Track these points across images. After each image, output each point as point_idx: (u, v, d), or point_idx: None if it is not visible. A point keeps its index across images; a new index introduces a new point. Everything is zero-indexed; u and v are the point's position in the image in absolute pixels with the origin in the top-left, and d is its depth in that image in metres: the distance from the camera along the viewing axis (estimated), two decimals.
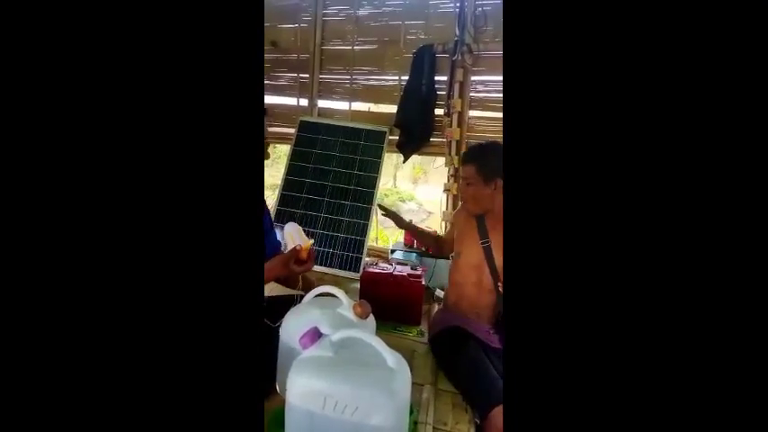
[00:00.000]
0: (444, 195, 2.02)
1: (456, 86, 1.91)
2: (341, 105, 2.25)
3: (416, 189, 8.25)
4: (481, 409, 0.89)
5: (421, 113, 1.99)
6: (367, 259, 1.86)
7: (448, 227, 1.96)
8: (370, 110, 2.36)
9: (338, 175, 2.01)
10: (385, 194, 6.71)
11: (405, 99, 2.01)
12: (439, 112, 2.00)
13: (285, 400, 0.63)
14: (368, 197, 1.95)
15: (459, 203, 1.91)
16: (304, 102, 2.26)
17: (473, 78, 1.95)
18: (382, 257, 1.95)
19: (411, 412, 0.74)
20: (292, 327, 0.79)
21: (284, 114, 2.28)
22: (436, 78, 1.98)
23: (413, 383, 0.67)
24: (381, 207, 1.65)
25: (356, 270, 1.80)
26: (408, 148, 2.05)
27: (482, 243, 1.16)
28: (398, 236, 2.41)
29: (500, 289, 1.12)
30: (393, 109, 2.07)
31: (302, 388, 0.62)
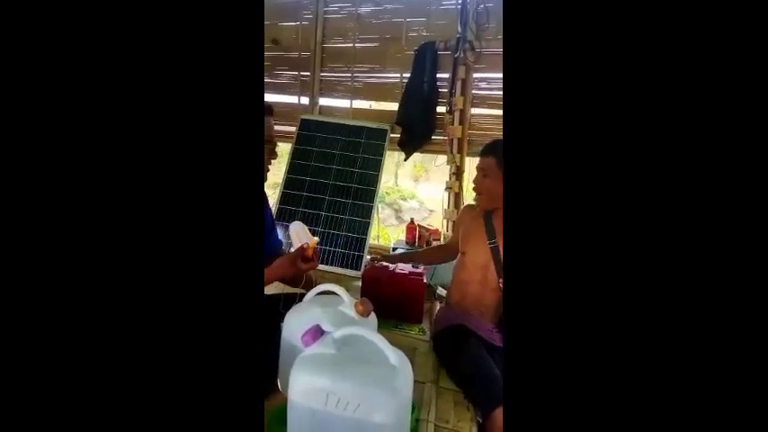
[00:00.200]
0: (446, 194, 2.01)
1: (458, 84, 1.91)
2: (342, 103, 2.25)
3: (418, 187, 8.25)
4: (484, 408, 0.89)
5: (422, 111, 1.98)
6: (368, 257, 1.86)
7: (450, 225, 1.96)
8: (372, 107, 2.36)
9: (339, 173, 2.01)
10: (386, 192, 6.71)
11: (406, 97, 2.01)
12: (441, 109, 2.00)
13: (287, 397, 0.63)
14: (369, 195, 1.95)
15: (463, 203, 1.92)
16: (305, 100, 2.26)
17: (475, 76, 1.95)
18: (384, 256, 1.95)
19: (413, 410, 0.74)
20: (294, 325, 0.79)
21: (285, 112, 2.28)
22: (438, 76, 1.97)
23: (415, 381, 0.67)
24: (374, 260, 1.47)
25: (358, 268, 1.80)
26: (410, 145, 2.04)
27: (489, 243, 1.16)
28: (400, 234, 2.40)
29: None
30: (394, 107, 2.06)
31: (304, 385, 0.61)
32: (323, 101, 2.27)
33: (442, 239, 1.97)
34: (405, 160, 2.21)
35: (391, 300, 1.27)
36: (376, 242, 2.57)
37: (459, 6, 1.91)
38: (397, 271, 1.34)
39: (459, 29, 1.88)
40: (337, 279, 1.71)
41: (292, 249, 1.00)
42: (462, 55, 1.88)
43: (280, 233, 1.30)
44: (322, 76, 2.23)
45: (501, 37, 1.87)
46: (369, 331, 0.66)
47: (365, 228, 1.89)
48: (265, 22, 2.17)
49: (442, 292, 1.60)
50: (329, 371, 0.61)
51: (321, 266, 1.81)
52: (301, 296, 0.90)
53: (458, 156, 1.93)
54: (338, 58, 2.20)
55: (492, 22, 1.89)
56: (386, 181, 6.70)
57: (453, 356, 1.05)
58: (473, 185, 1.21)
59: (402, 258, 1.44)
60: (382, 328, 0.84)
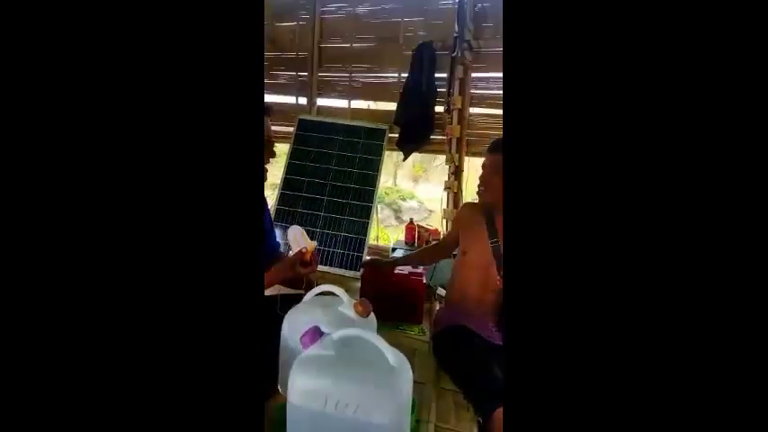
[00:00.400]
0: (445, 193, 2.01)
1: (456, 83, 1.91)
2: (340, 103, 2.25)
3: (417, 187, 8.25)
4: (484, 408, 0.88)
5: (421, 111, 1.98)
6: (367, 258, 1.86)
7: (449, 225, 1.96)
8: (370, 108, 2.36)
9: (338, 173, 2.01)
10: (385, 193, 6.71)
11: (404, 97, 2.01)
12: (439, 109, 2.00)
13: (286, 399, 0.63)
14: (368, 195, 1.95)
15: (462, 203, 1.92)
16: (303, 100, 2.26)
17: (473, 75, 1.95)
18: (383, 256, 1.95)
19: (412, 411, 0.74)
20: (293, 326, 0.79)
21: (283, 113, 2.28)
22: (436, 75, 1.97)
23: (415, 382, 0.67)
24: (365, 264, 1.45)
25: (357, 269, 1.79)
26: (408, 145, 2.04)
27: (491, 242, 1.15)
28: (399, 234, 2.40)
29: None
30: (393, 107, 2.06)
31: (303, 387, 0.61)
32: (321, 101, 2.27)
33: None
34: (403, 160, 2.21)
35: (391, 300, 1.27)
36: (375, 242, 2.56)
37: (456, 6, 1.91)
38: (397, 271, 1.34)
39: (457, 28, 1.88)
40: (337, 280, 1.71)
41: (291, 253, 1.00)
42: (460, 54, 1.87)
43: (278, 235, 1.30)
44: (320, 77, 2.23)
45: (499, 36, 1.88)
46: (368, 332, 0.66)
47: (364, 228, 1.89)
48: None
49: (441, 292, 1.60)
50: (328, 372, 0.61)
51: (320, 267, 1.80)
52: (299, 298, 0.89)
53: (456, 155, 1.93)
54: (336, 59, 2.20)
55: (490, 22, 1.89)
56: (385, 181, 6.70)
57: (453, 357, 1.05)
58: (479, 181, 1.20)
59: (396, 263, 1.38)
60: (382, 328, 0.84)
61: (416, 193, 7.64)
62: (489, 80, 1.95)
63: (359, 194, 1.96)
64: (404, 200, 6.97)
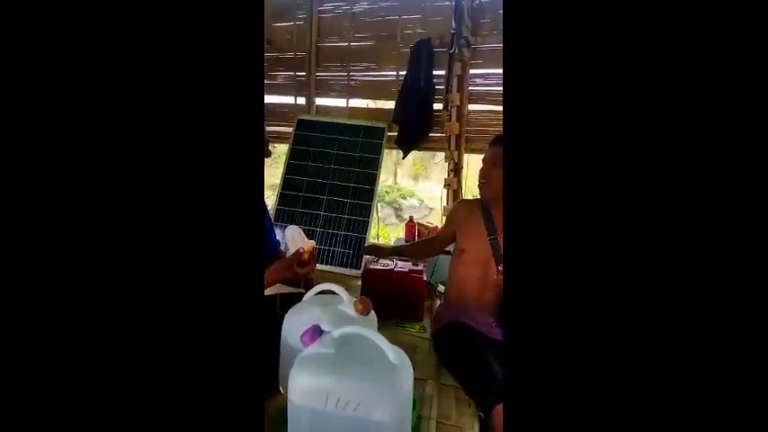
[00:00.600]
0: (445, 191, 2.01)
1: (454, 80, 1.90)
2: (339, 102, 2.25)
3: (417, 185, 8.24)
4: (485, 404, 0.89)
5: (419, 109, 1.98)
6: (367, 256, 1.86)
7: None
8: (369, 106, 2.35)
9: (337, 172, 2.01)
10: (386, 191, 6.70)
11: (403, 94, 2.00)
12: (438, 106, 2.00)
13: (287, 397, 0.63)
14: (368, 194, 1.95)
15: (456, 200, 1.92)
16: (301, 100, 2.26)
17: (471, 72, 1.94)
18: None
19: (413, 407, 0.74)
20: (293, 325, 0.79)
21: (282, 113, 2.27)
22: (434, 73, 1.97)
23: (416, 379, 0.67)
24: (365, 250, 1.63)
25: (357, 267, 1.79)
26: (408, 143, 2.04)
27: (489, 238, 1.15)
28: (399, 232, 2.40)
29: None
30: (391, 105, 2.06)
31: (304, 385, 0.61)
32: (319, 100, 2.26)
33: None
34: (403, 158, 2.21)
35: (391, 298, 1.27)
36: (376, 241, 2.56)
37: (453, 2, 1.90)
38: (397, 269, 1.34)
39: (454, 25, 1.88)
40: (337, 278, 1.71)
41: (289, 253, 1.01)
42: (458, 51, 1.87)
43: (278, 234, 1.30)
44: (318, 76, 2.23)
45: (496, 32, 1.87)
46: (368, 330, 0.66)
47: (365, 227, 1.89)
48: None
49: (442, 289, 1.60)
50: (329, 370, 0.61)
51: (321, 266, 1.81)
52: (299, 297, 0.90)
53: (456, 152, 1.93)
54: (334, 58, 2.20)
55: (487, 18, 1.89)
56: (385, 179, 6.69)
57: (453, 354, 1.05)
58: (479, 174, 1.20)
59: (394, 251, 1.48)
60: (383, 326, 0.84)
61: (417, 191, 7.63)
62: (487, 77, 1.94)
63: (359, 193, 1.96)
64: (404, 198, 6.96)
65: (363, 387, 0.60)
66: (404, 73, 2.02)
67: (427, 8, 2.01)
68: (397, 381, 0.61)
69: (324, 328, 0.69)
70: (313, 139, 2.08)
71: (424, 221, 2.13)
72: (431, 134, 2.02)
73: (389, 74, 2.11)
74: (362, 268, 1.48)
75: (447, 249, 1.39)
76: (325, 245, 1.88)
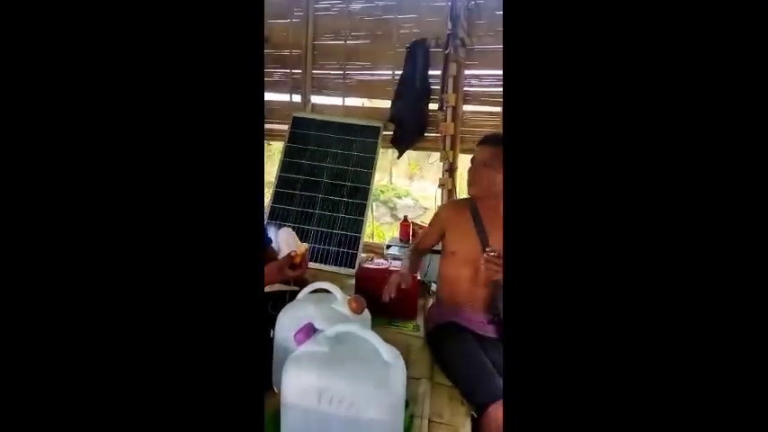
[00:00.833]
0: (439, 191, 2.02)
1: (449, 81, 1.91)
2: (334, 101, 2.24)
3: (412, 185, 8.24)
4: (478, 403, 0.89)
5: (415, 108, 1.98)
6: (362, 255, 1.86)
7: None
8: (364, 105, 2.35)
9: (333, 171, 2.00)
10: (381, 191, 6.70)
11: (398, 94, 2.00)
12: (433, 106, 2.00)
13: (280, 396, 0.63)
14: (363, 193, 1.95)
15: (450, 199, 1.92)
16: (297, 98, 2.25)
17: (467, 72, 1.95)
18: (378, 253, 1.95)
19: (406, 406, 0.74)
20: (287, 323, 0.79)
21: (277, 111, 2.26)
22: (430, 73, 1.97)
23: (409, 377, 0.67)
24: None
25: (352, 266, 1.79)
26: (403, 143, 2.04)
27: (479, 235, 1.16)
28: (394, 232, 2.41)
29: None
30: (387, 104, 2.06)
31: (297, 384, 0.61)
32: (315, 99, 2.25)
33: None
34: (398, 158, 2.21)
35: None
36: (370, 240, 2.56)
37: (449, 3, 1.90)
38: (391, 268, 1.34)
39: (450, 25, 1.88)
40: (331, 277, 1.71)
41: (281, 255, 1.02)
42: (453, 52, 1.87)
43: (270, 232, 1.30)
44: (314, 74, 2.22)
45: (492, 34, 1.88)
46: (361, 328, 0.66)
47: (359, 226, 1.89)
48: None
49: (435, 288, 1.60)
50: (322, 369, 0.61)
51: (315, 265, 1.80)
52: (292, 296, 0.90)
53: (450, 153, 1.93)
54: (330, 56, 2.19)
55: (483, 19, 1.89)
56: (380, 179, 6.69)
57: (446, 353, 1.06)
58: (467, 174, 1.20)
59: (412, 268, 1.25)
60: (376, 324, 0.84)
61: (412, 191, 7.63)
62: (482, 78, 1.95)
63: (354, 192, 1.95)
64: (399, 197, 6.96)
65: (357, 386, 0.60)
66: (400, 72, 2.02)
67: (423, 8, 2.01)
68: (390, 379, 0.61)
69: (317, 326, 0.69)
70: (309, 137, 2.07)
71: (418, 221, 2.13)
72: (426, 134, 2.02)
73: (385, 73, 2.11)
74: (356, 267, 1.48)
75: (436, 249, 1.38)
76: (320, 243, 1.87)
